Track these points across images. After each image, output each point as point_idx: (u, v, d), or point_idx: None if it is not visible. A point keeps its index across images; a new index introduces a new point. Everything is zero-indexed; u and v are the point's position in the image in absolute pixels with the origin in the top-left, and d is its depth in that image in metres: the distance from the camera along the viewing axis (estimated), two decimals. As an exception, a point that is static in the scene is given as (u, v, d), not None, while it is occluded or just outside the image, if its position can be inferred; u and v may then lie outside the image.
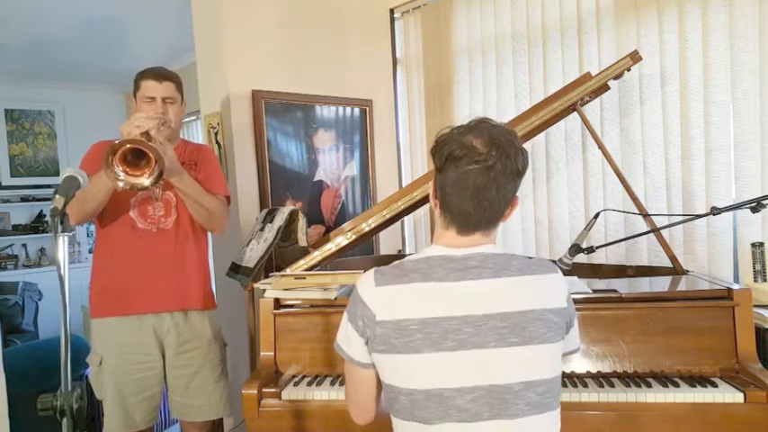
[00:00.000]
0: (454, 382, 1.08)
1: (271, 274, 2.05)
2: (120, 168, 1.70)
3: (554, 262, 1.91)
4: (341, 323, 1.21)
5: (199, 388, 2.05)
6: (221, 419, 2.72)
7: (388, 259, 2.69)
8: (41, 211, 5.62)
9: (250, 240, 2.33)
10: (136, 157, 1.72)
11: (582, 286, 1.80)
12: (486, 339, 1.08)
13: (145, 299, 1.96)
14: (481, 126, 1.13)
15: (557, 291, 1.15)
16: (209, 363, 2.07)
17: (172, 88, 2.00)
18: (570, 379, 1.65)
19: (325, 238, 2.35)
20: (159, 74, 1.99)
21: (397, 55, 3.39)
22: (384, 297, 1.13)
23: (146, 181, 1.72)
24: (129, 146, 1.69)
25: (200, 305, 2.06)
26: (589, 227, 1.97)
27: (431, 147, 1.17)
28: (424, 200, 2.18)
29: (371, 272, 1.17)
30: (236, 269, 2.29)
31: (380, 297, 1.13)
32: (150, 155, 1.70)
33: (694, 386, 1.57)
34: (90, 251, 5.54)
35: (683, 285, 1.93)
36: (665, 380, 1.62)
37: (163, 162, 1.71)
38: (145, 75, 1.99)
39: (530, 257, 1.19)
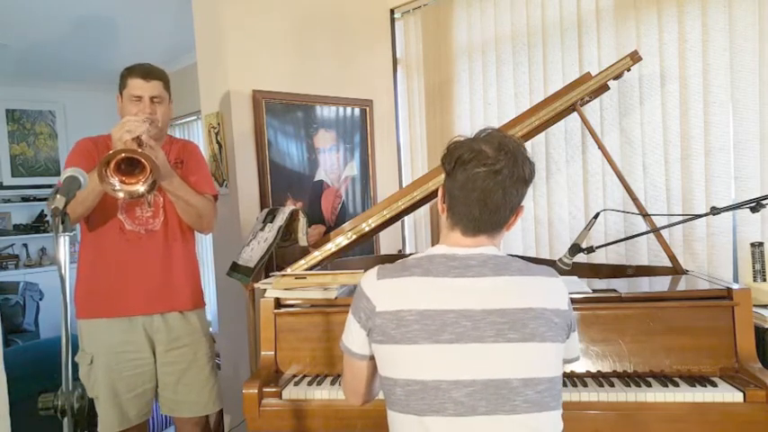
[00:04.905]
0: (451, 375, 1.09)
1: (271, 274, 2.05)
2: (116, 179, 1.69)
3: (554, 262, 1.92)
4: (346, 322, 1.24)
5: (188, 384, 2.06)
6: (222, 419, 2.73)
7: (388, 259, 2.69)
8: (42, 210, 5.62)
9: (250, 240, 2.34)
10: (129, 164, 1.71)
11: (582, 286, 1.80)
12: (484, 334, 1.09)
13: (134, 301, 1.96)
14: (492, 134, 1.17)
15: (557, 293, 1.17)
16: (200, 359, 2.08)
17: (159, 87, 1.96)
18: (570, 378, 1.65)
19: (325, 237, 2.35)
20: (147, 72, 1.94)
21: (398, 55, 3.39)
22: (384, 289, 1.16)
23: (141, 188, 1.72)
24: (122, 155, 1.68)
25: (189, 306, 2.07)
26: (589, 227, 1.97)
27: (442, 154, 1.20)
28: (424, 200, 2.18)
29: (375, 268, 1.22)
30: (236, 269, 2.29)
31: (381, 289, 1.17)
32: (145, 163, 1.70)
33: (694, 386, 1.57)
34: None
35: (682, 285, 1.93)
36: (665, 379, 1.62)
37: (158, 170, 1.71)
38: (132, 72, 1.94)
39: (531, 258, 1.21)
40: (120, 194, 1.71)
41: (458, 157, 1.15)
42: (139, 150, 1.71)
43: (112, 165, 1.67)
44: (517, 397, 1.08)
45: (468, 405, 1.08)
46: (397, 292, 1.15)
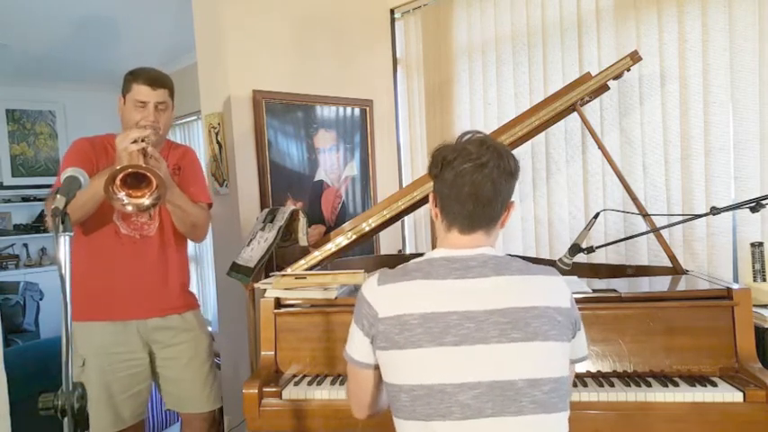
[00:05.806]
0: (456, 378, 1.08)
1: (271, 274, 2.05)
2: (123, 193, 1.69)
3: (554, 262, 1.92)
4: (349, 331, 1.23)
5: (189, 380, 2.07)
6: (222, 419, 2.73)
7: (388, 259, 2.70)
8: (42, 210, 5.62)
9: (251, 240, 2.34)
10: (134, 178, 1.71)
11: (582, 286, 1.80)
12: (488, 334, 1.09)
13: (129, 306, 1.97)
14: (473, 136, 1.20)
15: (559, 292, 1.17)
16: (200, 354, 2.09)
17: (165, 95, 1.95)
18: (570, 378, 1.65)
19: (325, 237, 2.35)
20: (153, 79, 1.93)
21: (398, 55, 3.39)
22: (386, 294, 1.16)
23: (146, 201, 1.71)
24: (128, 170, 1.69)
25: (183, 309, 2.08)
26: (589, 227, 1.97)
27: (428, 163, 1.22)
28: (424, 200, 2.18)
29: (376, 274, 1.21)
30: (236, 269, 2.29)
31: (383, 295, 1.16)
32: (152, 179, 1.70)
33: (694, 386, 1.57)
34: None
35: (682, 285, 1.93)
36: (665, 379, 1.62)
37: (164, 184, 1.71)
38: (138, 78, 1.93)
39: (531, 258, 1.21)
40: (129, 208, 1.71)
41: (443, 159, 1.17)
42: (144, 165, 1.71)
43: (119, 180, 1.67)
44: (524, 398, 1.07)
45: (474, 408, 1.07)
46: (399, 297, 1.14)
